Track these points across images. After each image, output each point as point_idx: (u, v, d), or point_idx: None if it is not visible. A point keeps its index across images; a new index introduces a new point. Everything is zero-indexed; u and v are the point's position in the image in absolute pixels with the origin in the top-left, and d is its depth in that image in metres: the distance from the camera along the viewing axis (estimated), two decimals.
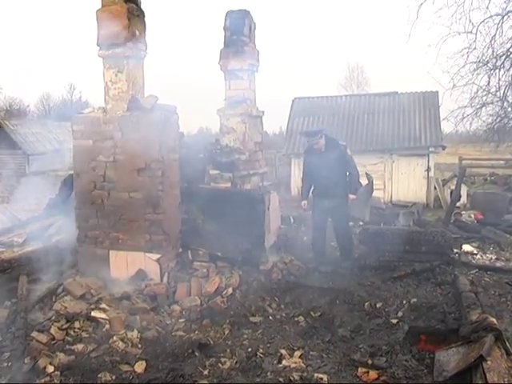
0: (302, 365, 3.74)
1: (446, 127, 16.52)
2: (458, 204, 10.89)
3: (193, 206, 5.89)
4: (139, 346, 4.14)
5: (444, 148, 15.57)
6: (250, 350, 4.01)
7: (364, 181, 10.22)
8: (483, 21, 8.68)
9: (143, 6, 5.28)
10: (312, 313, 4.77)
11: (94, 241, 5.32)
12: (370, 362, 3.74)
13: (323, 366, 3.71)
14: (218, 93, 8.07)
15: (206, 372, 3.67)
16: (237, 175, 6.92)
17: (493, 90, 9.48)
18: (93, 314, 4.48)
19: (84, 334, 4.25)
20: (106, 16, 5.10)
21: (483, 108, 9.89)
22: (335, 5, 67.65)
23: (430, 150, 15.00)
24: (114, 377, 3.59)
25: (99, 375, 3.59)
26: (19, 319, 4.26)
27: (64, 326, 4.28)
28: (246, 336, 4.33)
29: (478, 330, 3.56)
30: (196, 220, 5.90)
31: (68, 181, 6.25)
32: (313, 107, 17.08)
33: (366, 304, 4.94)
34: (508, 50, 8.94)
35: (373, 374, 3.56)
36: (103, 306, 4.63)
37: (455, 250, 6.98)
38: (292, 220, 8.90)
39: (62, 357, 3.85)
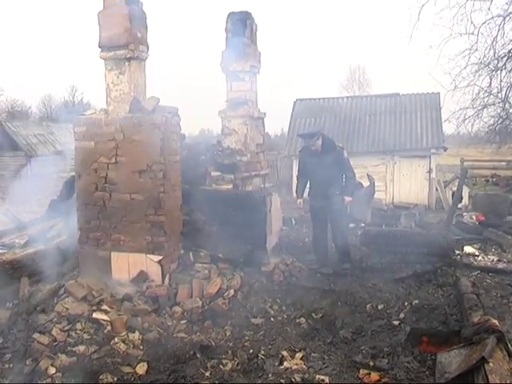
0: (304, 366, 3.74)
1: (448, 128, 16.51)
2: (459, 205, 10.87)
3: (194, 207, 5.89)
4: (141, 347, 4.14)
5: (446, 149, 15.56)
6: (251, 351, 4.02)
7: (366, 182, 10.27)
8: (485, 22, 8.65)
9: (145, 8, 5.30)
10: (313, 314, 4.77)
11: (95, 242, 5.32)
12: (371, 363, 3.74)
13: (325, 368, 3.71)
14: (219, 94, 8.07)
15: (207, 374, 3.67)
16: (238, 177, 6.91)
17: (494, 91, 9.46)
18: (94, 315, 4.47)
19: (85, 336, 4.24)
20: (107, 18, 5.12)
21: (485, 109, 9.86)
22: (337, 6, 67.78)
23: (432, 151, 14.99)
24: (115, 378, 3.60)
25: (101, 377, 3.60)
26: (21, 321, 4.27)
27: (65, 328, 4.28)
28: (247, 337, 4.33)
29: (479, 331, 3.56)
30: (197, 221, 5.89)
31: (70, 182, 6.26)
32: (314, 109, 17.08)
33: (368, 306, 4.95)
34: (510, 51, 8.92)
35: (374, 376, 3.56)
36: (105, 307, 4.62)
37: (457, 252, 6.98)
38: (293, 221, 8.93)
39: (63, 358, 3.86)
